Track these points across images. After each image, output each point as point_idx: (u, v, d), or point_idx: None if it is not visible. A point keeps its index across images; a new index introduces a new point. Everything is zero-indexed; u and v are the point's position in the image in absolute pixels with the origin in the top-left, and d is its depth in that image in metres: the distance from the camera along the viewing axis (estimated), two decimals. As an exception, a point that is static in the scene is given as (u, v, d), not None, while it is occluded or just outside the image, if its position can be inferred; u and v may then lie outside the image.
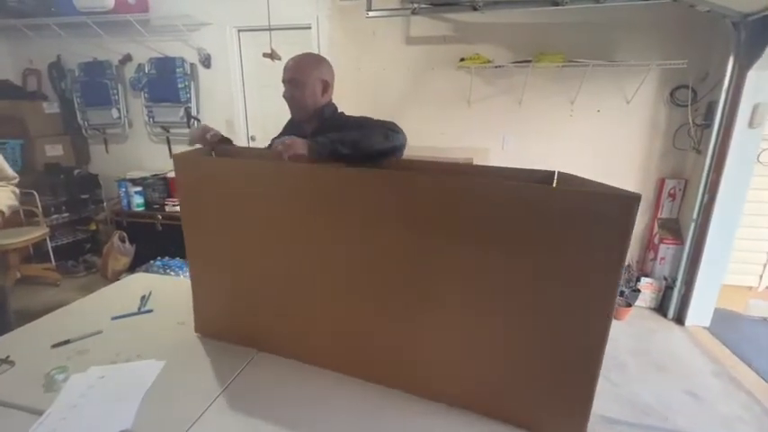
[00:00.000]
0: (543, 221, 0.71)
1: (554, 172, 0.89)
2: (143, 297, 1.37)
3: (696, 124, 2.53)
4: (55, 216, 3.27)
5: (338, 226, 0.89)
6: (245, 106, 3.41)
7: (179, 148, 3.55)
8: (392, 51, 2.93)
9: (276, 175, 0.92)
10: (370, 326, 0.93)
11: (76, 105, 3.53)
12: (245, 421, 0.84)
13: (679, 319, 2.65)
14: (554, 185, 0.86)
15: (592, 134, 2.76)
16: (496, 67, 2.69)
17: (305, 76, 1.23)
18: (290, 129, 1.37)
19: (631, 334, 2.52)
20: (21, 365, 1.00)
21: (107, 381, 0.96)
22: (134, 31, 3.20)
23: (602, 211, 0.67)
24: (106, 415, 0.85)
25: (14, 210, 1.39)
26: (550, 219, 0.70)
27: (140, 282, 1.53)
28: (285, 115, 1.38)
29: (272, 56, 2.48)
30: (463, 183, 0.76)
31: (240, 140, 3.42)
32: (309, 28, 3.01)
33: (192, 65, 3.31)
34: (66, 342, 1.11)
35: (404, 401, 0.91)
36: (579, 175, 0.83)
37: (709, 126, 2.42)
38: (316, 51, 3.03)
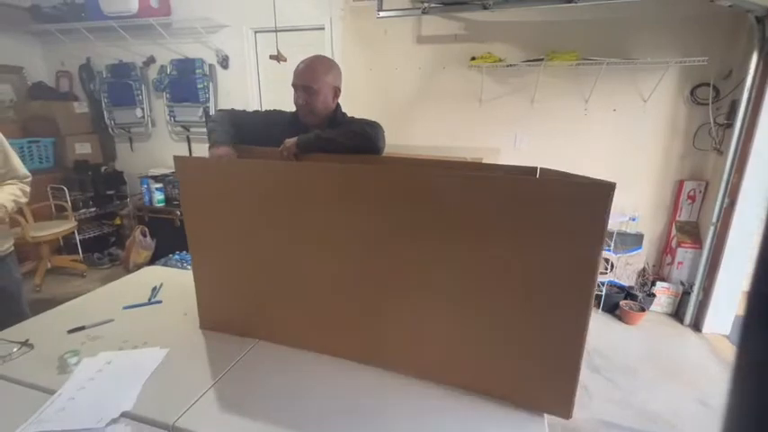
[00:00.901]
0: (526, 211, 0.76)
1: (536, 168, 0.95)
2: (154, 288, 1.44)
3: (718, 124, 2.43)
4: (83, 210, 3.45)
5: (331, 220, 0.93)
6: (261, 106, 3.49)
7: (198, 146, 3.69)
8: (403, 51, 2.95)
9: (269, 174, 0.97)
10: (366, 312, 0.97)
11: (104, 105, 3.71)
12: (240, 405, 0.89)
13: (696, 326, 2.56)
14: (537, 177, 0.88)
15: (607, 133, 2.70)
16: (508, 65, 2.67)
17: (318, 84, 1.24)
18: (294, 125, 1.34)
19: (644, 339, 2.45)
20: (39, 348, 1.08)
21: (114, 365, 1.03)
22: (156, 34, 3.34)
23: (579, 198, 0.71)
24: (110, 397, 0.91)
25: (20, 206, 1.45)
26: (533, 208, 0.75)
27: (153, 274, 1.61)
28: None
29: (278, 58, 2.54)
30: (451, 176, 0.80)
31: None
32: (322, 29, 3.06)
33: (210, 66, 3.43)
34: (81, 328, 1.18)
35: (400, 383, 0.95)
36: (584, 173, 0.86)
37: (731, 125, 2.32)
38: (329, 52, 3.08)
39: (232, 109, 1.40)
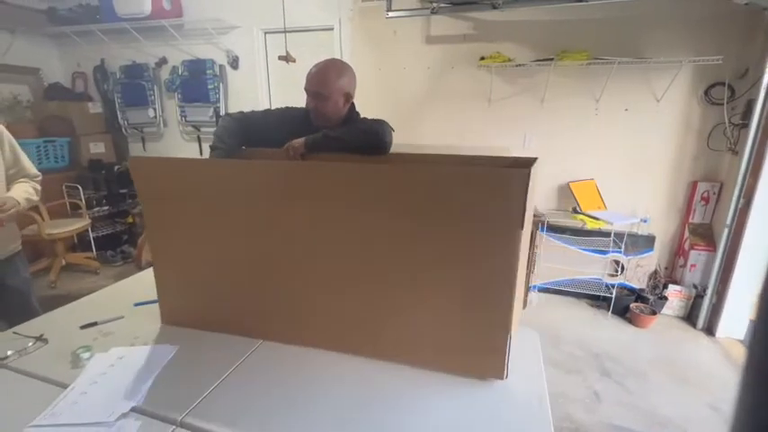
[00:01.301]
0: (453, 198, 0.83)
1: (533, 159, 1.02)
2: (164, 286, 1.46)
3: (733, 124, 2.38)
4: (96, 209, 3.53)
5: (305, 215, 0.96)
6: (270, 106, 3.52)
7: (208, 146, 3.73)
8: (412, 51, 2.95)
9: (242, 172, 0.98)
10: (340, 302, 1.01)
11: (117, 106, 3.78)
12: (244, 404, 0.90)
13: (709, 330, 2.51)
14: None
15: (619, 133, 2.66)
16: (517, 65, 2.65)
17: (329, 90, 1.26)
18: (307, 122, 1.35)
19: (655, 343, 2.42)
20: (53, 343, 1.11)
21: (125, 361, 1.05)
22: (169, 36, 3.39)
23: (499, 184, 0.80)
24: (121, 392, 0.93)
25: (32, 204, 1.46)
26: (459, 195, 0.83)
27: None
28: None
29: (287, 58, 2.57)
30: (400, 169, 0.89)
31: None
32: (332, 29, 3.08)
33: (221, 66, 3.47)
34: (93, 324, 1.21)
35: (382, 367, 0.97)
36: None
37: (746, 125, 2.27)
38: (338, 52, 3.10)
39: (241, 112, 1.40)
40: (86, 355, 1.05)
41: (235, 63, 3.43)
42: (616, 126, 2.65)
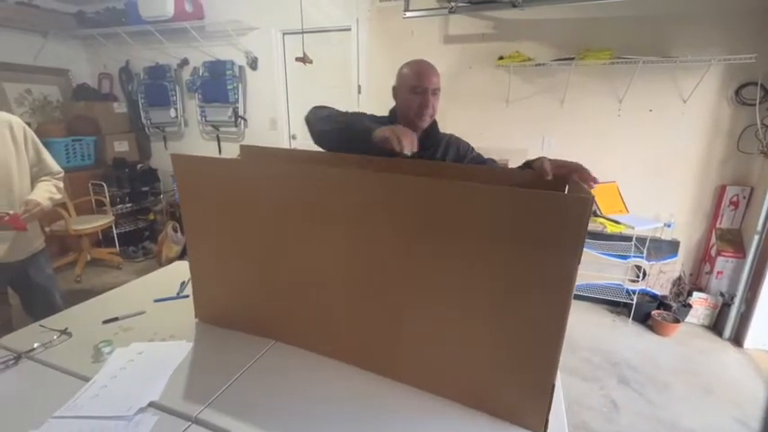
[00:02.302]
0: (505, 222, 0.75)
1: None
2: (182, 283, 1.49)
3: (765, 125, 2.28)
4: (120, 206, 3.64)
5: (337, 224, 0.93)
6: (288, 106, 3.56)
7: (227, 146, 3.80)
8: (430, 51, 2.92)
9: (275, 176, 0.97)
10: (369, 319, 0.97)
11: (141, 106, 3.89)
12: (257, 403, 0.91)
13: (737, 340, 2.41)
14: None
15: (643, 135, 2.58)
16: (537, 65, 2.60)
17: (439, 85, 1.26)
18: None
19: (678, 352, 2.33)
20: (76, 337, 1.14)
21: (145, 356, 1.07)
22: (190, 37, 3.47)
23: (558, 210, 0.71)
24: (140, 386, 0.95)
25: (56, 203, 1.49)
26: (512, 219, 0.75)
27: (182, 269, 1.67)
28: None
29: (304, 60, 2.59)
30: (443, 186, 0.80)
31: (282, 139, 3.59)
32: (349, 29, 3.08)
33: (240, 67, 3.53)
34: (115, 319, 1.24)
35: (404, 394, 0.94)
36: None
37: (781, 128, 2.17)
38: (355, 53, 3.10)
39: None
40: (107, 349, 1.08)
41: (254, 64, 3.48)
42: (640, 127, 2.57)
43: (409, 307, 0.90)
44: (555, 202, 0.71)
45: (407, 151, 0.95)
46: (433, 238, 0.83)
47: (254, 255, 1.07)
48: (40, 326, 1.20)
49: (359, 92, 3.18)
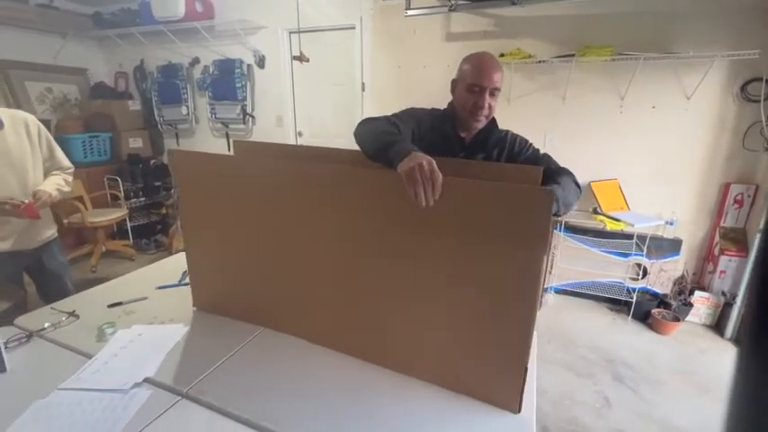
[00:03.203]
0: (472, 214, 0.81)
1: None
2: (184, 272, 1.57)
3: (771, 122, 2.24)
4: (134, 200, 3.78)
5: (326, 218, 0.99)
6: (294, 104, 3.64)
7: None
8: (432, 49, 2.95)
9: (266, 173, 1.03)
10: (354, 308, 1.03)
11: (154, 103, 4.03)
12: (243, 382, 0.98)
13: (738, 340, 2.38)
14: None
15: (645, 132, 2.56)
16: (538, 62, 2.60)
17: (501, 84, 1.15)
18: (437, 136, 1.23)
19: (676, 351, 2.32)
20: (83, 319, 1.23)
21: (144, 337, 1.15)
22: (201, 37, 3.57)
23: (522, 204, 0.76)
24: (137, 364, 1.03)
25: (65, 196, 1.58)
26: (479, 211, 0.80)
27: (184, 259, 1.75)
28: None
29: (301, 58, 2.65)
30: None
31: (288, 136, 3.67)
32: (353, 28, 3.13)
33: (248, 66, 3.61)
34: (119, 304, 1.33)
35: (386, 377, 1.00)
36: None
37: (786, 125, 2.13)
38: (359, 51, 3.15)
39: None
40: (110, 330, 1.17)
41: (261, 62, 3.56)
42: (642, 124, 2.55)
43: (391, 296, 0.96)
44: (520, 194, 0.76)
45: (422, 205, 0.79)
46: (411, 230, 0.88)
47: (246, 246, 1.13)
48: (51, 308, 1.29)
49: (363, 89, 3.23)
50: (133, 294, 1.38)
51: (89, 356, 1.06)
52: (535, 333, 1.28)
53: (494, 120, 1.25)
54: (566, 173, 1.12)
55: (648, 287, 2.67)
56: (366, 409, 0.90)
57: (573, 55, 2.46)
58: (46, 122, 3.47)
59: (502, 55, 2.67)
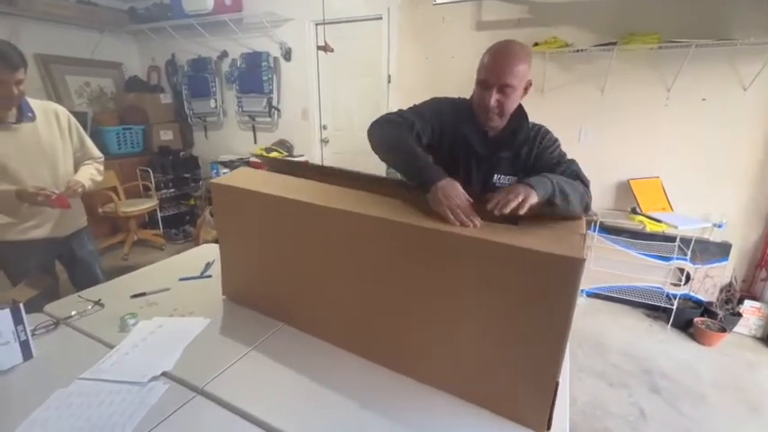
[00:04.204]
0: (506, 268, 0.77)
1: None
2: (207, 264, 1.58)
3: (843, 116, 2.00)
4: (164, 191, 3.89)
5: (350, 250, 0.98)
6: (319, 97, 3.61)
7: (262, 135, 3.93)
8: (461, 38, 2.84)
9: (288, 209, 1.03)
10: (377, 315, 0.99)
11: (184, 96, 4.11)
12: (259, 380, 0.95)
13: (794, 356, 2.17)
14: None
15: (693, 127, 2.36)
16: (576, 51, 2.44)
17: (516, 81, 1.01)
18: (464, 127, 1.14)
19: (721, 364, 2.15)
20: (108, 308, 1.25)
21: (164, 329, 1.15)
22: (229, 30, 3.60)
23: (550, 269, 0.73)
24: (156, 357, 1.02)
25: (96, 184, 1.61)
26: (510, 266, 0.77)
27: (209, 250, 1.76)
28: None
29: (326, 48, 2.61)
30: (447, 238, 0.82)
31: (313, 129, 3.66)
32: (380, 19, 3.06)
33: (275, 58, 3.61)
34: (143, 294, 1.34)
35: (405, 384, 0.95)
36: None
37: None
38: (386, 41, 3.07)
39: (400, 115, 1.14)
40: (132, 321, 1.17)
41: (288, 55, 3.55)
42: (690, 118, 2.35)
43: (417, 305, 0.91)
44: (546, 260, 0.72)
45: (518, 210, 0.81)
46: (438, 268, 0.85)
47: (273, 246, 1.12)
48: (78, 296, 1.32)
49: (388, 81, 3.16)
50: (157, 285, 1.39)
51: (111, 346, 1.06)
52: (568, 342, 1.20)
53: (523, 114, 1.13)
54: (583, 188, 0.98)
55: (691, 294, 2.48)
56: (384, 417, 0.86)
57: (615, 43, 2.29)
58: (83, 115, 3.61)
59: (536, 44, 2.53)
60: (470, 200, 0.87)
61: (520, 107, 1.12)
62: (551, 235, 0.81)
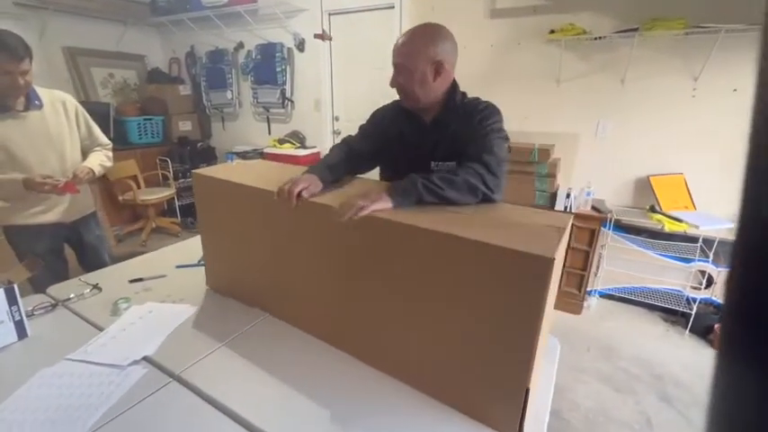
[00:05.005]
0: (471, 265, 0.74)
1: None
2: (205, 253, 1.61)
3: None
4: (182, 180, 3.99)
5: (324, 245, 0.97)
6: (332, 88, 3.60)
7: (276, 127, 3.97)
8: (474, 27, 2.74)
9: (263, 200, 1.03)
10: (354, 310, 0.97)
11: (202, 88, 4.19)
12: (233, 370, 0.96)
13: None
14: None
15: (722, 120, 2.20)
16: (595, 38, 2.31)
17: (409, 60, 1.02)
18: (402, 118, 1.17)
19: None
20: (105, 292, 1.29)
21: (153, 315, 1.18)
22: (244, 21, 3.62)
23: (517, 267, 0.69)
24: (141, 341, 1.05)
25: (106, 170, 1.67)
26: (477, 263, 0.74)
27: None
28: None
29: (323, 36, 2.58)
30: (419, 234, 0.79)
31: (325, 120, 3.65)
32: (392, 8, 3.00)
33: (288, 49, 3.62)
34: (140, 280, 1.38)
35: (381, 381, 0.93)
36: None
37: None
38: (397, 31, 3.01)
39: (349, 137, 1.24)
40: (125, 305, 1.21)
41: (301, 46, 3.54)
42: (719, 110, 2.18)
43: (387, 300, 0.89)
44: (513, 258, 0.68)
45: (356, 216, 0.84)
46: (407, 263, 0.83)
47: (251, 238, 1.13)
48: (79, 280, 1.37)
49: (400, 72, 3.10)
50: (155, 271, 1.43)
51: (102, 329, 1.10)
52: (559, 346, 1.15)
53: (453, 93, 1.10)
54: (473, 172, 0.93)
55: (713, 298, 2.34)
56: (357, 413, 0.84)
57: (636, 29, 2.15)
58: (106, 105, 3.75)
59: (552, 31, 2.41)
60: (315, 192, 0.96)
61: (452, 91, 1.10)
62: (528, 229, 0.77)
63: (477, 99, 1.14)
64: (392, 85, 1.09)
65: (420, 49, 1.02)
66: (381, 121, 1.22)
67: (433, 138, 1.12)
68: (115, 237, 3.57)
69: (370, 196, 0.86)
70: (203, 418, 0.82)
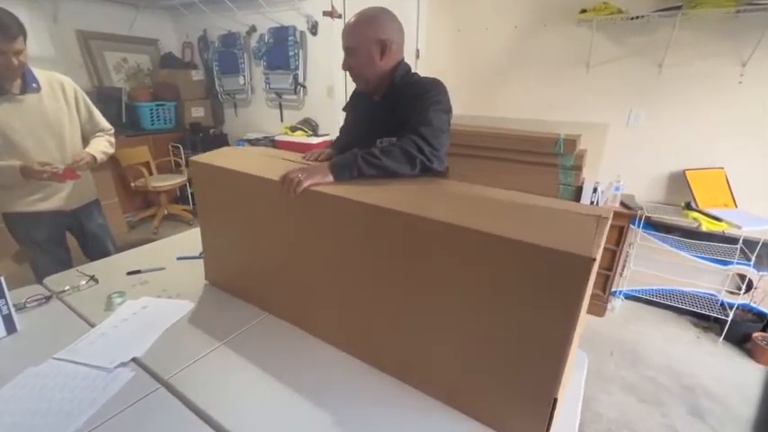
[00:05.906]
0: (498, 263, 0.66)
1: None
2: (208, 244, 1.54)
3: None
4: (194, 167, 3.96)
5: (332, 242, 0.88)
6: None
7: (288, 113, 3.87)
8: (498, 7, 2.57)
9: (264, 189, 0.96)
10: (360, 312, 0.89)
11: (215, 73, 4.11)
12: (227, 376, 0.88)
13: None
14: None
15: (772, 110, 1.99)
16: (631, 18, 2.11)
17: (356, 41, 1.08)
18: (356, 100, 1.30)
19: (781, 386, 1.85)
20: (101, 284, 1.23)
21: (147, 311, 1.11)
22: (256, 4, 3.51)
23: (550, 267, 0.60)
24: (131, 340, 0.98)
25: (109, 156, 1.61)
26: (504, 261, 0.65)
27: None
28: None
29: (332, 14, 2.47)
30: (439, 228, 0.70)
31: (337, 108, 3.53)
32: (410, -13, 2.83)
33: (301, 32, 3.49)
34: (138, 272, 1.32)
35: (387, 387, 0.85)
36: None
37: None
38: (414, 11, 2.85)
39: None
40: (119, 300, 1.14)
41: (314, 29, 3.41)
42: (769, 99, 1.98)
43: (399, 298, 0.81)
44: (546, 256, 0.59)
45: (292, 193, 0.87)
46: (424, 259, 0.74)
47: (254, 234, 1.06)
48: (77, 270, 1.31)
49: (417, 57, 2.94)
50: (157, 262, 1.37)
51: (93, 325, 1.04)
52: (584, 354, 1.03)
53: (397, 72, 1.13)
54: (410, 142, 0.95)
55: (752, 305, 2.16)
56: (354, 427, 0.75)
57: (679, 7, 1.94)
58: (119, 90, 3.72)
59: (583, 11, 2.22)
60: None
61: (398, 68, 1.13)
62: (561, 224, 0.66)
63: (423, 76, 1.16)
64: (344, 67, 1.14)
65: (365, 31, 1.07)
66: (348, 109, 1.33)
67: (381, 115, 1.14)
68: (127, 223, 3.57)
69: (310, 170, 0.89)
70: (190, 433, 0.75)
